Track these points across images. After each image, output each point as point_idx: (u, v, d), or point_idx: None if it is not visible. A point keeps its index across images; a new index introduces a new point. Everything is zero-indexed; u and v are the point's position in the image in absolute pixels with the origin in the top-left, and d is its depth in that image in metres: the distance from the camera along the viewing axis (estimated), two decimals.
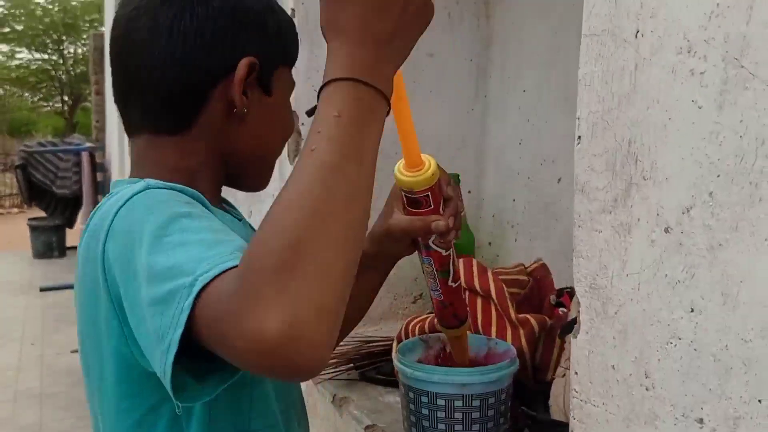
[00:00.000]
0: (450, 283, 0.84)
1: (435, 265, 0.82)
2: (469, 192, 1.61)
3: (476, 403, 0.91)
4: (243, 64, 0.66)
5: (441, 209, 0.78)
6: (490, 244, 1.63)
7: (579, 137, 0.62)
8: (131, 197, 0.58)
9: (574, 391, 0.63)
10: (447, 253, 0.82)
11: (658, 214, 0.54)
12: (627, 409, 0.57)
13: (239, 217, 0.78)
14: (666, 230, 0.53)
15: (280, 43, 0.73)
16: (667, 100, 0.52)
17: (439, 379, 0.91)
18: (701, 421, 0.51)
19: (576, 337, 0.63)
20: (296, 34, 0.77)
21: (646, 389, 0.55)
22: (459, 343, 0.94)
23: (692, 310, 0.51)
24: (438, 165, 0.78)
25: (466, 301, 1.15)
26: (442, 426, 0.91)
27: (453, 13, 1.57)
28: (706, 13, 0.49)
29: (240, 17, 0.68)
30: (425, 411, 0.93)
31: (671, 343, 0.53)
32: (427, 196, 0.77)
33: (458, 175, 1.46)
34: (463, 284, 1.15)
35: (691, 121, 0.50)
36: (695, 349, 0.51)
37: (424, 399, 0.92)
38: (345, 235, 0.47)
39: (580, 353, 0.62)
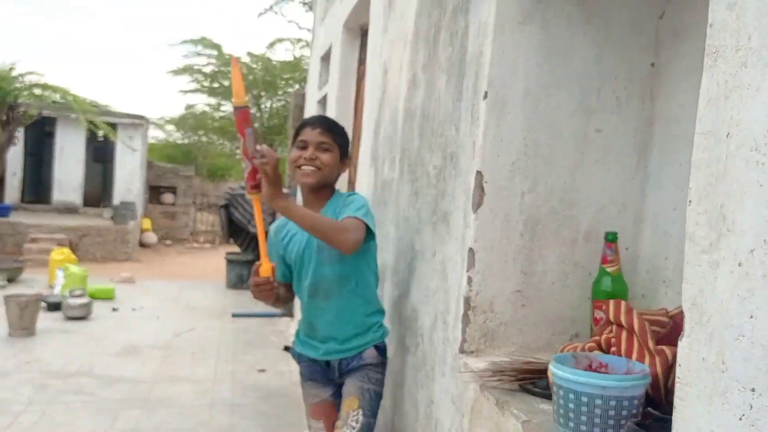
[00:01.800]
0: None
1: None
2: (627, 249, 1.86)
3: (613, 403, 1.17)
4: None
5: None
6: (643, 296, 1.86)
7: (690, 201, 0.91)
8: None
9: (678, 378, 0.90)
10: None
11: (735, 254, 0.81)
12: (710, 387, 0.84)
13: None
14: (739, 264, 0.81)
15: None
16: (744, 180, 0.81)
17: (585, 381, 1.19)
18: (753, 390, 0.77)
19: (681, 340, 0.91)
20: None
21: (722, 372, 0.82)
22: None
23: (751, 317, 0.78)
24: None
25: (613, 334, 1.42)
26: (584, 417, 1.19)
27: (621, 96, 1.86)
28: (766, 128, 0.78)
29: None
30: (571, 405, 1.21)
31: (738, 339, 0.80)
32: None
33: (616, 234, 1.73)
34: (611, 320, 1.43)
35: (756, 195, 0.79)
36: (751, 343, 0.78)
37: (571, 396, 1.21)
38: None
39: (683, 350, 0.90)
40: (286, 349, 2.39)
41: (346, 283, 2.22)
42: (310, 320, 2.30)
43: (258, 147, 1.89)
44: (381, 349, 2.30)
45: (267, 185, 1.89)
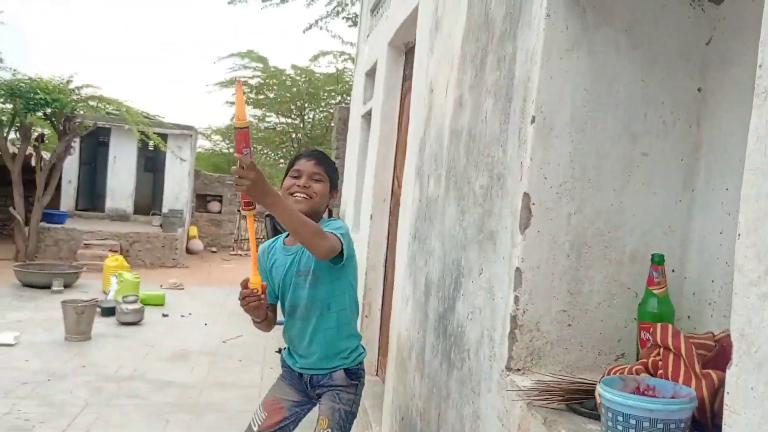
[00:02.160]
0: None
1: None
2: (673, 271, 1.87)
3: (660, 425, 1.20)
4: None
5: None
6: (689, 317, 1.87)
7: (739, 234, 0.94)
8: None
9: (726, 405, 0.94)
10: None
11: None
12: (759, 416, 0.87)
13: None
14: None
15: None
16: None
17: (633, 404, 1.22)
18: None
19: (730, 368, 0.94)
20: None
21: None
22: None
23: None
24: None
25: (660, 357, 1.45)
26: None
27: (667, 120, 1.88)
28: None
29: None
30: (620, 427, 1.24)
31: None
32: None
33: (663, 256, 1.76)
34: (659, 343, 1.46)
35: None
36: None
37: (620, 418, 1.24)
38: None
39: (731, 378, 0.93)
40: (279, 351, 2.68)
41: (321, 306, 2.40)
42: (290, 336, 2.51)
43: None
44: (351, 372, 2.47)
45: (249, 182, 1.93)
